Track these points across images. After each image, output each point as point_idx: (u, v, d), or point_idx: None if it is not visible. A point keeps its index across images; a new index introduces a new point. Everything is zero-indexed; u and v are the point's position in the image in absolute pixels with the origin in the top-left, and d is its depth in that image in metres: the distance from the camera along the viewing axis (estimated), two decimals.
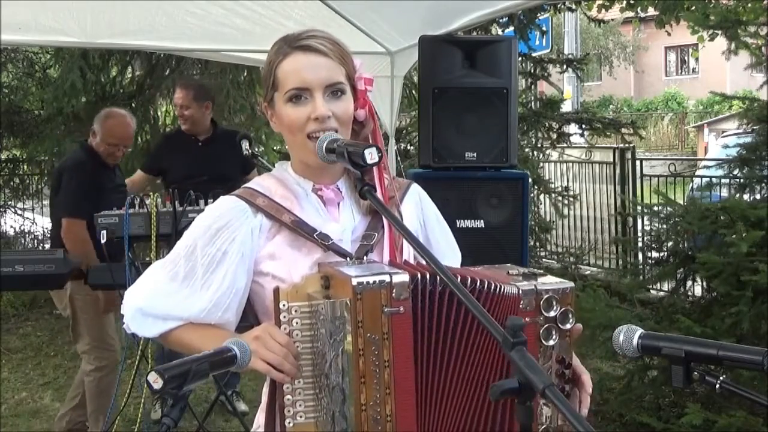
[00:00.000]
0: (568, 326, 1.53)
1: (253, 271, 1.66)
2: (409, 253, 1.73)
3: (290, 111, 1.64)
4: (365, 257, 1.61)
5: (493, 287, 1.52)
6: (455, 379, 1.51)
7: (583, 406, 1.58)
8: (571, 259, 8.05)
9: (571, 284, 1.55)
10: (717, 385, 1.41)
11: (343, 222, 1.69)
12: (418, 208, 1.80)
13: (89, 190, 4.05)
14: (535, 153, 7.61)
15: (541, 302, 1.51)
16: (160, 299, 1.66)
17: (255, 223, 1.65)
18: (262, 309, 1.69)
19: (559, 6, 8.56)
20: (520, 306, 1.51)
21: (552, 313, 1.52)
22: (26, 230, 8.70)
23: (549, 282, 1.55)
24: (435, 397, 1.50)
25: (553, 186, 7.60)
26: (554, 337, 1.51)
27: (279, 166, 1.78)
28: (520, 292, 1.51)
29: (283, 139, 1.77)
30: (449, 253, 1.85)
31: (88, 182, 4.08)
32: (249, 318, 1.70)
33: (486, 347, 1.51)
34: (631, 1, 8.09)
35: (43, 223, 8.81)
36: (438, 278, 1.48)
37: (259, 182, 1.74)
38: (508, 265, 1.66)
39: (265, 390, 1.67)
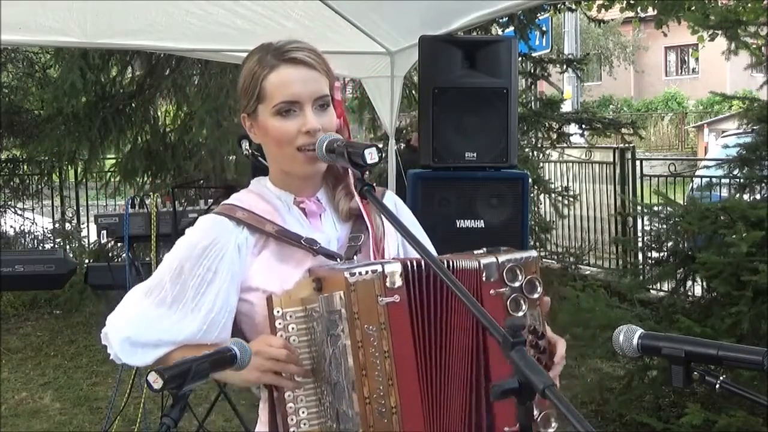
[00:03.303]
0: (536, 295, 1.53)
1: (240, 288, 1.63)
2: (390, 254, 1.71)
3: (278, 124, 1.62)
4: (354, 257, 1.61)
5: (453, 264, 1.52)
6: (456, 365, 1.51)
7: (553, 375, 1.56)
8: (571, 259, 8.04)
9: (535, 253, 1.56)
10: (717, 385, 1.41)
11: (327, 232, 1.68)
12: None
13: None
14: (535, 153, 7.61)
15: (504, 272, 1.52)
16: (148, 326, 1.61)
17: (241, 239, 1.62)
18: (250, 327, 1.65)
19: (559, 6, 8.56)
20: (483, 278, 1.52)
21: (517, 283, 1.52)
22: (26, 230, 8.69)
23: (511, 253, 1.55)
24: (438, 384, 1.50)
25: (553, 186, 7.60)
26: (523, 307, 1.52)
27: (256, 181, 1.75)
28: (481, 265, 1.52)
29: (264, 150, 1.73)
30: None
31: None
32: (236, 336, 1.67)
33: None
34: (631, 1, 8.09)
35: (43, 223, 8.81)
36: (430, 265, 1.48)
37: (238, 198, 1.71)
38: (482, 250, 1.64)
39: (263, 405, 1.65)
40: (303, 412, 1.52)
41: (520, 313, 1.51)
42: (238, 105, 1.76)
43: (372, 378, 1.43)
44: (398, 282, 1.45)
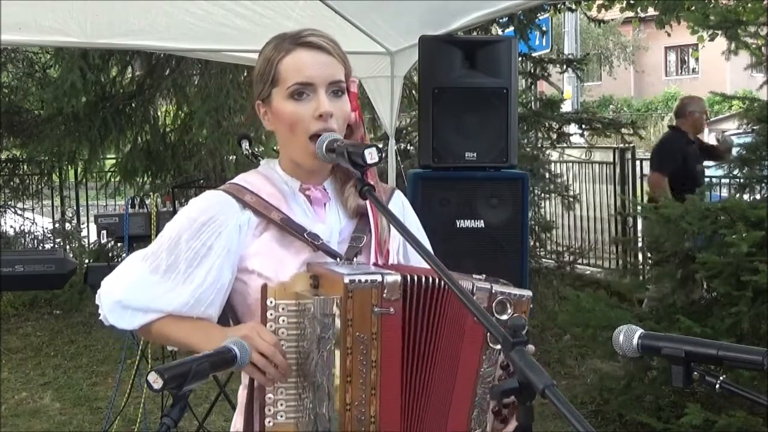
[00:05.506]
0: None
1: (237, 267, 1.63)
2: (393, 257, 1.72)
3: (291, 107, 1.61)
4: (355, 259, 1.61)
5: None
6: (438, 379, 1.51)
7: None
8: (571, 258, 8.04)
9: (529, 293, 1.52)
10: (717, 385, 1.41)
11: (330, 223, 1.68)
12: (400, 215, 1.77)
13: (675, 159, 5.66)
14: (535, 153, 7.61)
15: (494, 303, 1.50)
16: (140, 291, 1.62)
17: (243, 219, 1.63)
18: (243, 308, 1.66)
19: (559, 6, 8.56)
20: None
21: (504, 317, 1.49)
22: (26, 230, 8.69)
23: (507, 287, 1.52)
24: (420, 398, 1.50)
25: (552, 186, 7.59)
26: None
27: (266, 163, 1.75)
28: (474, 287, 1.49)
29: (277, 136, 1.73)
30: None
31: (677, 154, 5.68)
32: (227, 316, 1.68)
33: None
34: (631, 1, 8.09)
35: (43, 223, 8.81)
36: (429, 280, 1.48)
37: (245, 179, 1.71)
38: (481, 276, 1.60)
39: (242, 392, 1.66)
40: (281, 405, 1.51)
41: (498, 346, 1.47)
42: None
43: (356, 385, 1.44)
44: (396, 294, 1.44)
